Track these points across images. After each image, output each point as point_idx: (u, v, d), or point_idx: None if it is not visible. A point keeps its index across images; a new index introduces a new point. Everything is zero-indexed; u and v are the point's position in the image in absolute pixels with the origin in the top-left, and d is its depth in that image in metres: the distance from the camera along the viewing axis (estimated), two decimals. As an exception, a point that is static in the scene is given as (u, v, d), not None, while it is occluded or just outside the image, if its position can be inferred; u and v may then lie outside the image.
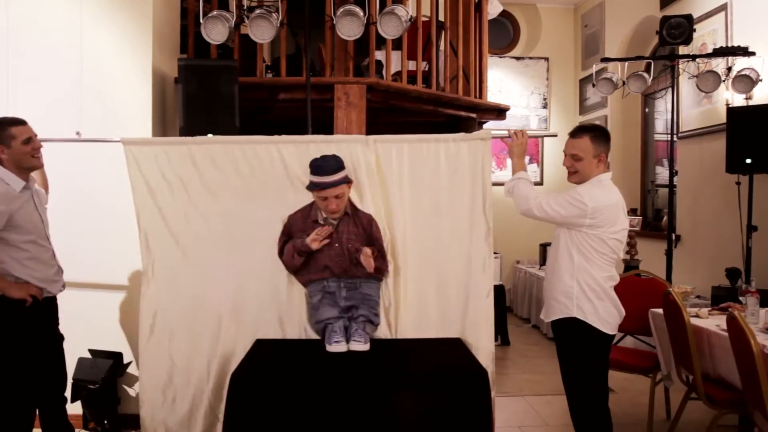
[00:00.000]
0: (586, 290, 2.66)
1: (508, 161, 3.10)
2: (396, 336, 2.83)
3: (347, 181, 2.69)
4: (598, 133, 2.73)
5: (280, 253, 2.80)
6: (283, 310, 2.85)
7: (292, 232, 2.78)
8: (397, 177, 2.86)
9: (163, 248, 2.85)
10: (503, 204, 3.31)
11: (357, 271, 2.74)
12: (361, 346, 2.53)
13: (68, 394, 3.18)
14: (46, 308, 2.83)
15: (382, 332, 2.83)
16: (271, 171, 2.85)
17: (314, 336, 2.78)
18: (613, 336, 2.73)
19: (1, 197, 2.61)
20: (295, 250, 2.71)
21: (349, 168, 2.77)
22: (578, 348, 2.72)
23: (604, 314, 2.67)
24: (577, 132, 2.75)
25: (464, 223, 2.86)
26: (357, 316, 2.65)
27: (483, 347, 2.80)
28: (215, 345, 2.81)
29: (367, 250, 2.66)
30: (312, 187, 2.66)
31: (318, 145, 2.83)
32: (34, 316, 2.73)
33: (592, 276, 2.66)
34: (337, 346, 2.52)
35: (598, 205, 2.61)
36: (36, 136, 2.77)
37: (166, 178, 2.83)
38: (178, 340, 2.82)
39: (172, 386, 2.81)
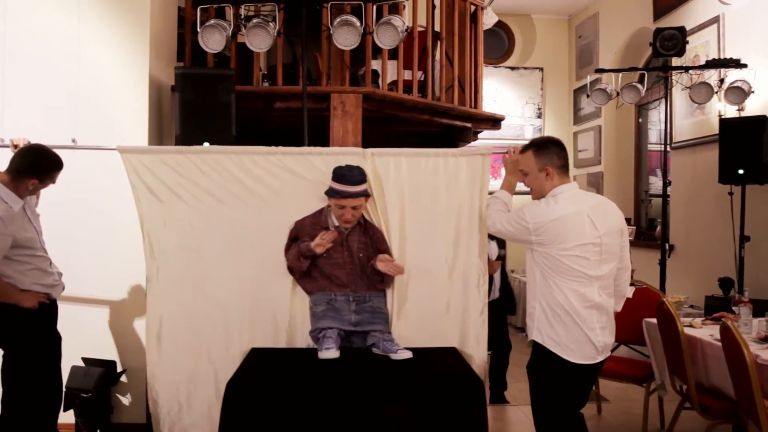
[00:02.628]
0: (547, 312, 2.48)
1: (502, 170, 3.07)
2: None
3: (367, 194, 2.72)
4: (543, 146, 2.57)
5: (289, 263, 2.80)
6: (289, 318, 2.84)
7: (300, 237, 2.78)
8: (394, 191, 2.85)
9: (167, 254, 2.85)
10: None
11: (364, 283, 2.75)
12: (405, 353, 2.57)
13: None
14: (51, 311, 2.93)
15: None
16: (272, 180, 2.84)
17: (313, 345, 2.77)
18: (584, 366, 2.46)
19: (6, 220, 2.65)
20: (300, 252, 2.71)
21: None
22: (538, 372, 2.58)
23: (566, 340, 2.44)
24: (525, 148, 2.63)
25: (461, 239, 2.85)
26: (375, 330, 2.66)
27: (475, 362, 2.80)
28: (221, 352, 2.80)
29: (384, 256, 2.69)
30: (332, 193, 2.67)
31: (315, 157, 2.84)
32: (42, 320, 2.85)
33: (554, 297, 2.46)
34: (327, 352, 2.52)
35: (540, 221, 2.45)
36: None
37: (168, 186, 2.83)
38: (183, 347, 2.81)
39: (179, 393, 2.80)
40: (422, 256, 2.85)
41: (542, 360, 2.52)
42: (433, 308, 2.85)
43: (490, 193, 2.82)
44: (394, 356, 2.56)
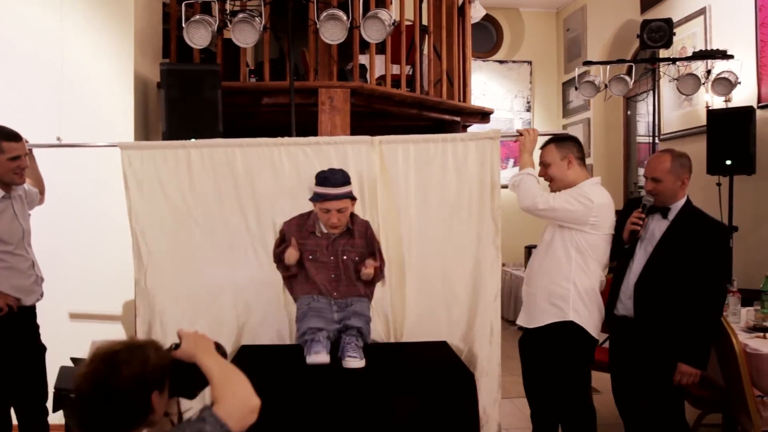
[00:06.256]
0: (582, 294, 2.62)
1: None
2: (401, 340, 2.79)
3: (352, 196, 2.60)
4: (562, 138, 2.80)
5: (277, 261, 2.72)
6: (280, 318, 2.80)
7: (287, 239, 2.70)
8: (403, 178, 2.80)
9: (156, 255, 2.80)
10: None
11: (349, 287, 2.64)
12: (356, 362, 2.40)
13: (50, 404, 3.13)
14: (23, 319, 2.76)
15: (385, 336, 2.79)
16: (271, 175, 2.79)
17: None
18: (598, 341, 2.72)
19: None
20: (280, 263, 2.65)
21: (354, 170, 2.72)
22: (572, 352, 2.65)
23: (597, 320, 2.67)
24: (544, 144, 2.84)
25: (472, 226, 2.81)
26: (350, 327, 2.52)
27: (489, 351, 2.76)
28: None
29: (370, 261, 2.58)
30: (315, 198, 2.56)
31: (321, 147, 2.78)
32: (10, 327, 2.67)
33: (588, 279, 2.63)
34: (316, 356, 2.39)
35: (602, 203, 2.64)
36: (26, 155, 2.72)
37: (162, 183, 2.78)
38: None
39: None
40: (432, 244, 2.80)
41: (574, 341, 2.63)
42: (443, 297, 2.81)
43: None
44: (344, 363, 2.40)
